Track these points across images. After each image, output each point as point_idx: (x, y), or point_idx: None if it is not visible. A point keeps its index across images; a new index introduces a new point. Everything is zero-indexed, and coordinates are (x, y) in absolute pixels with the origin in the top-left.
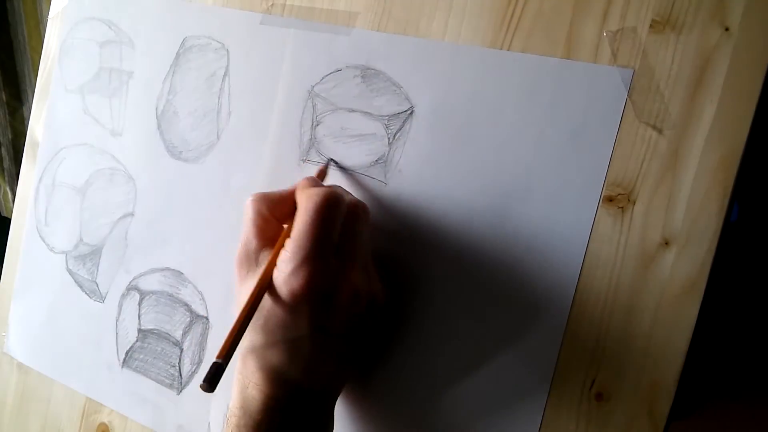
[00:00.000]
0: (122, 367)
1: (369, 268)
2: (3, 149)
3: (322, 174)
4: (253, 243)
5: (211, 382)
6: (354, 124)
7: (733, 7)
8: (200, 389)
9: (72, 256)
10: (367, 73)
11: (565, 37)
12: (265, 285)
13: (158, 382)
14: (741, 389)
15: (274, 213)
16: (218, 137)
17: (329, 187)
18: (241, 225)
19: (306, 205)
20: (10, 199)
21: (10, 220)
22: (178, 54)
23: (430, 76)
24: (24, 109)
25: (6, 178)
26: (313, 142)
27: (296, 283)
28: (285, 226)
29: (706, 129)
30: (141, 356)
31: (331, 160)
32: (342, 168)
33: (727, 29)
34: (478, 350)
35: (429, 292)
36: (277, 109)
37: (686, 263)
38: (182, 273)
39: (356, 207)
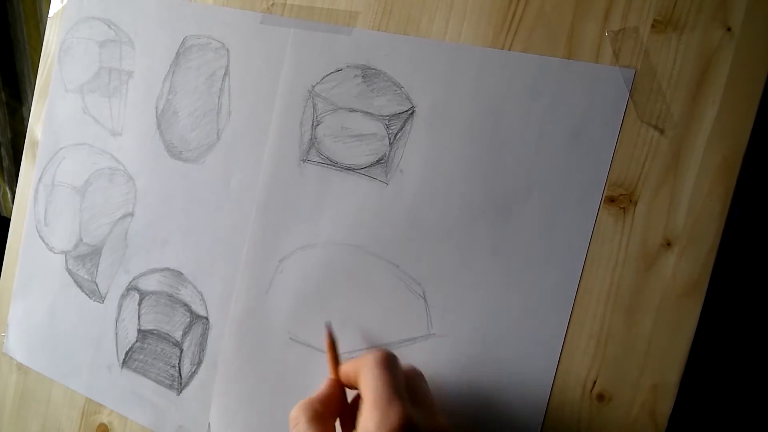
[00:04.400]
0: (122, 367)
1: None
2: (2, 149)
3: (332, 344)
4: None
5: None
6: (354, 124)
7: (735, 8)
8: None
9: (72, 256)
10: (368, 73)
11: (567, 37)
12: None
13: (158, 383)
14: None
15: (329, 411)
16: (218, 137)
17: (377, 350)
18: (242, 225)
19: (369, 365)
20: (10, 199)
21: (9, 220)
22: (178, 53)
23: (430, 76)
24: (23, 108)
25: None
26: (313, 142)
27: (390, 422)
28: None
29: (707, 129)
30: (141, 357)
31: (329, 324)
32: (342, 168)
33: (729, 29)
34: (478, 351)
35: (429, 291)
36: (278, 109)
37: (688, 264)
38: (182, 273)
39: (413, 368)
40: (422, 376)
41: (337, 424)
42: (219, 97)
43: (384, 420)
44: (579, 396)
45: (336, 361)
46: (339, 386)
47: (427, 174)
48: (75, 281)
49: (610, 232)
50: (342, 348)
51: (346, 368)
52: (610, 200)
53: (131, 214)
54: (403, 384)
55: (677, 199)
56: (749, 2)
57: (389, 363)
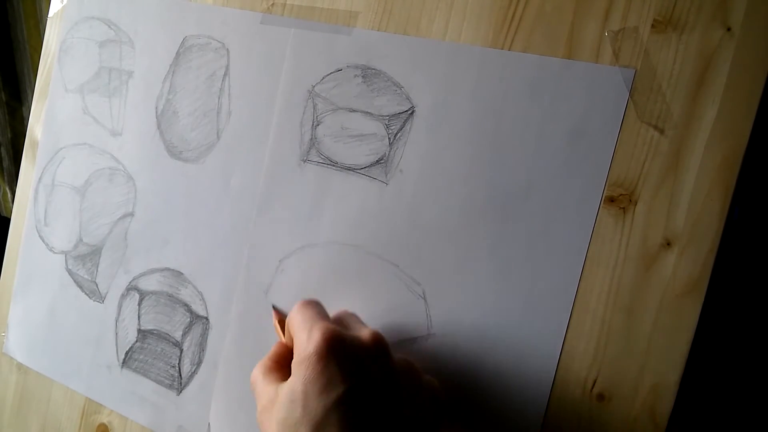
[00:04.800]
0: (122, 367)
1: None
2: (2, 149)
3: (281, 318)
4: (270, 388)
5: None
6: (354, 124)
7: (735, 8)
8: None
9: (71, 256)
10: (368, 73)
11: (567, 37)
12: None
13: (158, 383)
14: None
15: (280, 363)
16: (218, 137)
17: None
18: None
19: (290, 315)
20: (10, 199)
21: (9, 220)
22: (178, 53)
23: (430, 76)
24: (23, 108)
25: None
26: (313, 142)
27: (315, 337)
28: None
29: (707, 129)
30: (141, 357)
31: (274, 307)
32: (343, 168)
33: (729, 29)
34: (479, 351)
35: (429, 291)
36: (278, 109)
37: (688, 264)
38: (182, 273)
39: (342, 311)
40: (355, 316)
41: None
42: (219, 97)
43: (308, 339)
44: (579, 396)
45: (284, 328)
46: (287, 345)
47: (427, 174)
48: (75, 281)
49: (610, 232)
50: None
51: (286, 331)
52: (610, 200)
53: (131, 214)
54: (326, 314)
55: (677, 199)
56: (749, 2)
57: (310, 302)
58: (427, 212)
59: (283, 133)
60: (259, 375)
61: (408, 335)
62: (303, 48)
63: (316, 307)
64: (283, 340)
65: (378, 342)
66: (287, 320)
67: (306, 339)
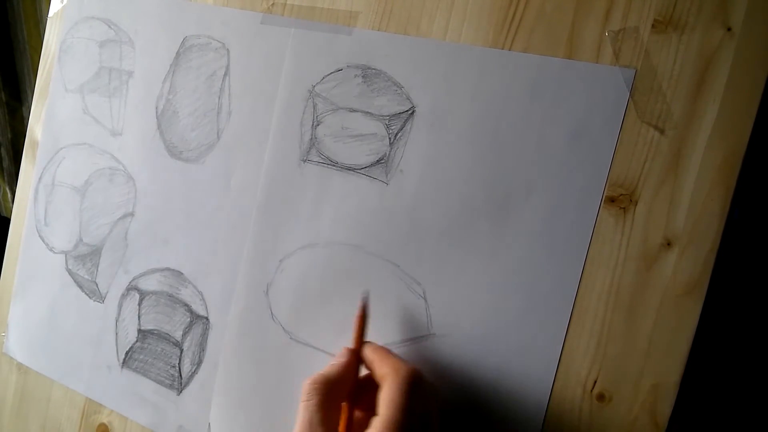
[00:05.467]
0: (122, 367)
1: None
2: (2, 149)
3: (363, 317)
4: (319, 431)
5: None
6: (355, 123)
7: (736, 8)
8: None
9: (72, 256)
10: (368, 73)
11: (567, 37)
12: None
13: (158, 383)
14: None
15: (340, 394)
16: (218, 137)
17: (408, 364)
18: (242, 225)
19: (398, 382)
20: (10, 199)
21: (9, 220)
22: (178, 53)
23: (431, 76)
24: (23, 108)
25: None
26: (313, 142)
27: None
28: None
29: (708, 129)
30: (141, 357)
31: (367, 293)
32: (343, 168)
33: (729, 29)
34: (479, 351)
35: (430, 290)
36: (278, 109)
37: (688, 264)
38: (182, 273)
39: (432, 386)
40: (433, 388)
41: None
42: (219, 97)
43: None
44: (579, 396)
45: (361, 334)
46: (355, 362)
47: (428, 174)
48: (75, 281)
49: (611, 232)
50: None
51: (374, 357)
52: (611, 200)
53: (131, 214)
54: (418, 414)
55: (677, 199)
56: (749, 3)
57: (415, 387)
58: (428, 212)
59: (283, 133)
60: (315, 398)
61: (408, 335)
62: (303, 48)
63: (417, 398)
64: (355, 345)
65: None
66: (389, 379)
67: None
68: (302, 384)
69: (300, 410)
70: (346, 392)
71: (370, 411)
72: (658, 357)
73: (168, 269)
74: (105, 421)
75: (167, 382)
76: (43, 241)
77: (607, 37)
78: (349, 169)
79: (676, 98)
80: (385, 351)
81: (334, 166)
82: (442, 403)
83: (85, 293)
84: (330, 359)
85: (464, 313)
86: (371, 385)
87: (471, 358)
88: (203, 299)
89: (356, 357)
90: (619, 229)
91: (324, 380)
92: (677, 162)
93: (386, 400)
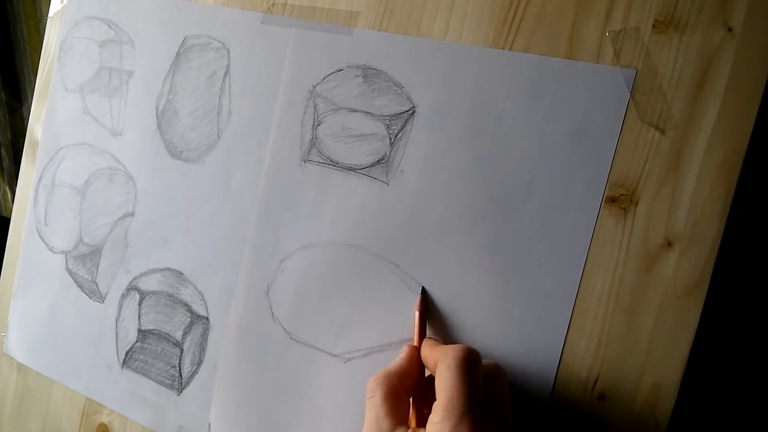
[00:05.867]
0: (122, 367)
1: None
2: (2, 149)
3: (424, 306)
4: (386, 423)
5: None
6: (355, 124)
7: (736, 8)
8: None
9: (72, 256)
10: (369, 73)
11: (568, 37)
12: None
13: (158, 383)
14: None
15: (405, 387)
16: (219, 137)
17: (460, 345)
18: (242, 225)
19: (447, 363)
20: (10, 199)
21: (9, 220)
22: (178, 53)
23: (431, 76)
24: (23, 108)
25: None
26: (314, 142)
27: None
28: (411, 399)
29: (708, 129)
30: (141, 357)
31: (423, 288)
32: (343, 168)
33: (730, 30)
34: (480, 351)
35: (430, 291)
36: (278, 109)
37: (689, 264)
38: (182, 273)
39: (494, 365)
40: (502, 372)
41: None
42: (219, 97)
43: None
44: (580, 395)
45: (422, 329)
46: (417, 356)
47: (428, 174)
48: (75, 281)
49: (611, 232)
50: (342, 348)
51: (426, 351)
52: (611, 200)
53: (131, 214)
54: (481, 390)
55: (678, 199)
56: (750, 3)
57: (469, 365)
58: (428, 212)
59: (284, 133)
60: (379, 391)
61: (408, 335)
62: (304, 48)
63: (475, 376)
64: (417, 343)
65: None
66: (441, 364)
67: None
68: (365, 385)
69: (366, 409)
70: (411, 386)
71: None
72: (658, 357)
73: (168, 269)
74: (105, 421)
75: (167, 382)
76: (43, 241)
77: (607, 37)
78: (350, 169)
79: (677, 98)
80: (435, 342)
81: (334, 166)
82: None
83: (85, 293)
84: (329, 359)
85: (464, 313)
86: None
87: None
88: (203, 299)
89: (417, 351)
90: (620, 229)
91: (385, 375)
92: (678, 162)
93: (440, 384)
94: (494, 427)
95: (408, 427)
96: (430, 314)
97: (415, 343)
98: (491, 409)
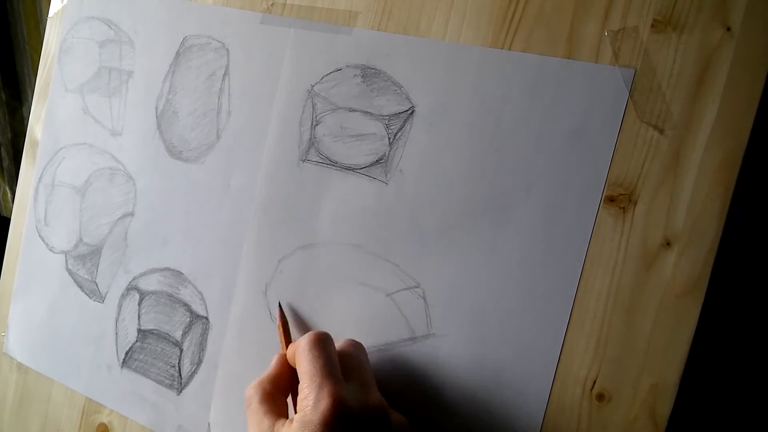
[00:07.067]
0: (122, 367)
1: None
2: (2, 149)
3: (285, 323)
4: (265, 422)
5: None
6: (354, 123)
7: (735, 7)
8: None
9: (72, 256)
10: (368, 73)
11: (566, 37)
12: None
13: (158, 383)
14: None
15: (279, 389)
16: (218, 137)
17: (313, 330)
18: (242, 225)
19: (301, 347)
20: (10, 199)
21: (9, 220)
22: (178, 53)
23: (430, 75)
24: (23, 108)
25: (5, 178)
26: (313, 142)
27: (323, 405)
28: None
29: (707, 129)
30: (141, 356)
31: (279, 303)
32: (342, 168)
33: (728, 29)
34: (478, 351)
35: (429, 290)
36: (277, 109)
37: (688, 264)
38: (182, 273)
39: (350, 342)
40: (361, 348)
41: (289, 400)
42: (219, 97)
43: (316, 402)
44: (579, 396)
45: (287, 337)
46: (287, 362)
47: (427, 174)
48: (75, 281)
49: (610, 232)
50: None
51: (290, 352)
52: (610, 200)
53: (131, 214)
54: (336, 362)
55: (677, 199)
56: (749, 2)
57: (321, 343)
58: (427, 212)
59: (283, 132)
60: (255, 397)
61: (408, 335)
62: (303, 48)
63: (327, 350)
64: (284, 351)
65: (382, 411)
66: (297, 350)
67: (313, 402)
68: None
69: (247, 417)
70: (285, 387)
71: None
72: (657, 357)
73: (168, 269)
74: (105, 420)
75: (167, 381)
76: (43, 241)
77: (606, 36)
78: (349, 168)
79: (676, 98)
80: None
81: (333, 165)
82: (441, 403)
83: (85, 293)
84: None
85: (463, 313)
86: None
87: (470, 357)
88: (203, 299)
89: (285, 357)
90: (619, 228)
91: (258, 382)
92: (677, 162)
93: (299, 367)
94: (354, 389)
95: (288, 419)
96: (313, 323)
97: (283, 351)
98: (350, 378)
